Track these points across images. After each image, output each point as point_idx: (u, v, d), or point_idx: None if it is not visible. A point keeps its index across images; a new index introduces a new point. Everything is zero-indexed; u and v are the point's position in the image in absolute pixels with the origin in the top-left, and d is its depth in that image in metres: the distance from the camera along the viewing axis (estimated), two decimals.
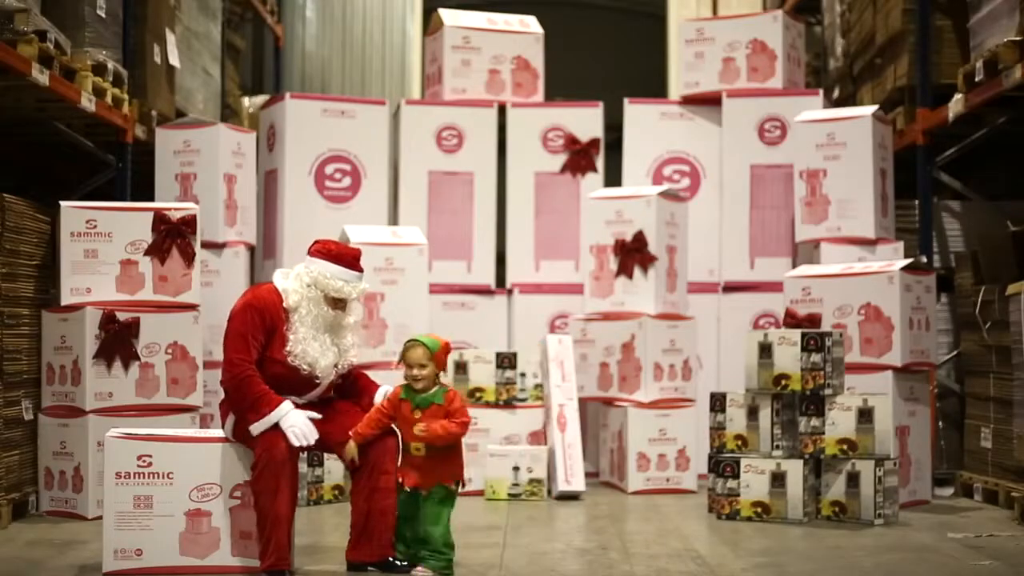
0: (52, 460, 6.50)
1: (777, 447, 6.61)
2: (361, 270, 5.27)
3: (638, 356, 7.64)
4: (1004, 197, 8.36)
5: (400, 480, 5.12)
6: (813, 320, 7.12)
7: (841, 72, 10.03)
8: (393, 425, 5.16)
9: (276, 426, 5.00)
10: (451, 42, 8.86)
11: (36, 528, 6.17)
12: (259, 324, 5.11)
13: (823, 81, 10.60)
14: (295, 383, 5.15)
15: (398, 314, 7.62)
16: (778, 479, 6.47)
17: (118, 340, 6.44)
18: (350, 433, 5.14)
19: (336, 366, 5.22)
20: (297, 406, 5.12)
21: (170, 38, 8.54)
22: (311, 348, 5.12)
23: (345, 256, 5.23)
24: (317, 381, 5.18)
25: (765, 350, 6.63)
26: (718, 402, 6.80)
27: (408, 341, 5.21)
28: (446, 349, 5.22)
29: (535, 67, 8.99)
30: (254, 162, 8.10)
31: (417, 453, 5.10)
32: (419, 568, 5.09)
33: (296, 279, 5.20)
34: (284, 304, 5.16)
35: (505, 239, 8.77)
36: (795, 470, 6.46)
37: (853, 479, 6.47)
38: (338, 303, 5.20)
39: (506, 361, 7.60)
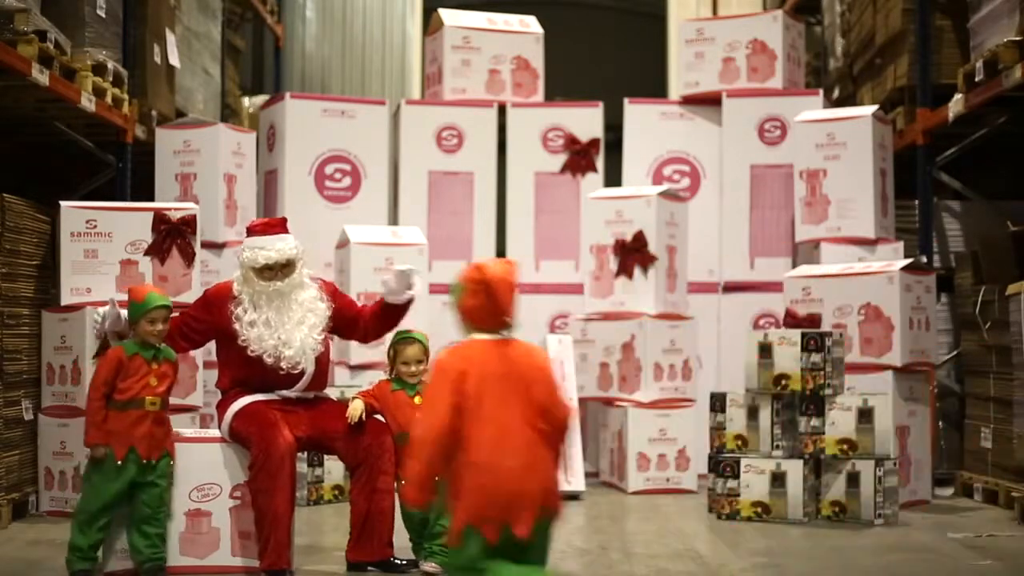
0: (52, 460, 6.50)
1: (777, 447, 6.61)
2: (280, 231, 5.19)
3: (638, 356, 7.64)
4: (1004, 197, 8.36)
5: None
6: (813, 320, 7.12)
7: (841, 72, 10.03)
8: (382, 418, 5.17)
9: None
10: (451, 42, 8.86)
11: (36, 528, 6.17)
12: (200, 306, 5.27)
13: (823, 81, 10.60)
14: (272, 378, 5.15)
15: None
16: (778, 479, 6.47)
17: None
18: (359, 393, 5.20)
19: (311, 350, 5.13)
20: (290, 407, 5.15)
21: (170, 38, 8.55)
22: (265, 333, 5.09)
23: (256, 227, 5.25)
24: (285, 370, 5.11)
25: (765, 350, 6.63)
26: (718, 402, 6.79)
27: (401, 338, 5.23)
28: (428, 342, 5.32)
29: (535, 67, 8.99)
30: (254, 162, 8.10)
31: None
32: (429, 564, 5.08)
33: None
34: (232, 294, 5.19)
35: (505, 239, 8.77)
36: (795, 470, 6.46)
37: (853, 479, 6.47)
38: (265, 272, 5.15)
39: None
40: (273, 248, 5.14)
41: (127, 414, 4.96)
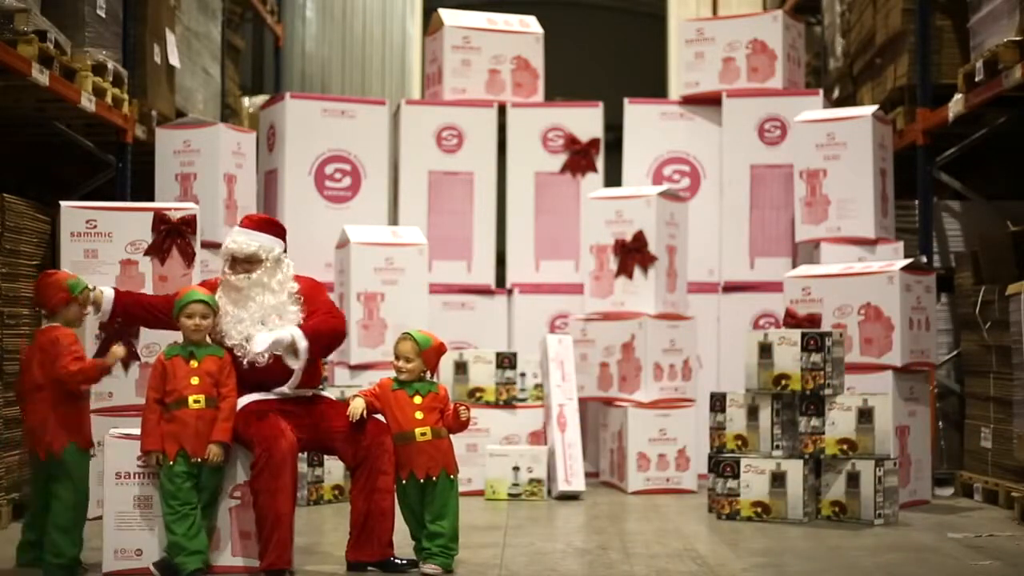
0: None
1: (777, 447, 6.61)
2: (252, 226, 5.24)
3: (638, 356, 7.64)
4: (1004, 197, 8.36)
5: (408, 473, 5.12)
6: (813, 320, 7.12)
7: (841, 72, 10.03)
8: (382, 417, 5.17)
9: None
10: (451, 42, 8.86)
11: None
12: None
13: (823, 81, 10.60)
14: (261, 375, 5.16)
15: (398, 314, 7.61)
16: (778, 479, 6.47)
17: (118, 340, 6.42)
18: (359, 392, 5.20)
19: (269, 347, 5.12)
20: (289, 407, 5.16)
21: (170, 38, 8.54)
22: (228, 324, 5.12)
23: (242, 220, 5.33)
24: (247, 366, 5.12)
25: (765, 350, 6.63)
26: (718, 402, 6.80)
27: (402, 333, 5.24)
28: (438, 350, 5.24)
29: (535, 67, 8.99)
30: (254, 162, 8.09)
31: (423, 438, 5.11)
32: (429, 565, 5.08)
33: None
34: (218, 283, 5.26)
35: (505, 239, 8.77)
36: (795, 470, 6.46)
37: (853, 479, 6.47)
38: (236, 264, 5.19)
39: (506, 361, 7.60)
40: (235, 239, 5.20)
41: (172, 415, 5.00)
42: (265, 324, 5.14)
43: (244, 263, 5.19)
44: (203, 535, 4.98)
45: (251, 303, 5.16)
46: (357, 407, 5.11)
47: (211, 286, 5.28)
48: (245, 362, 5.12)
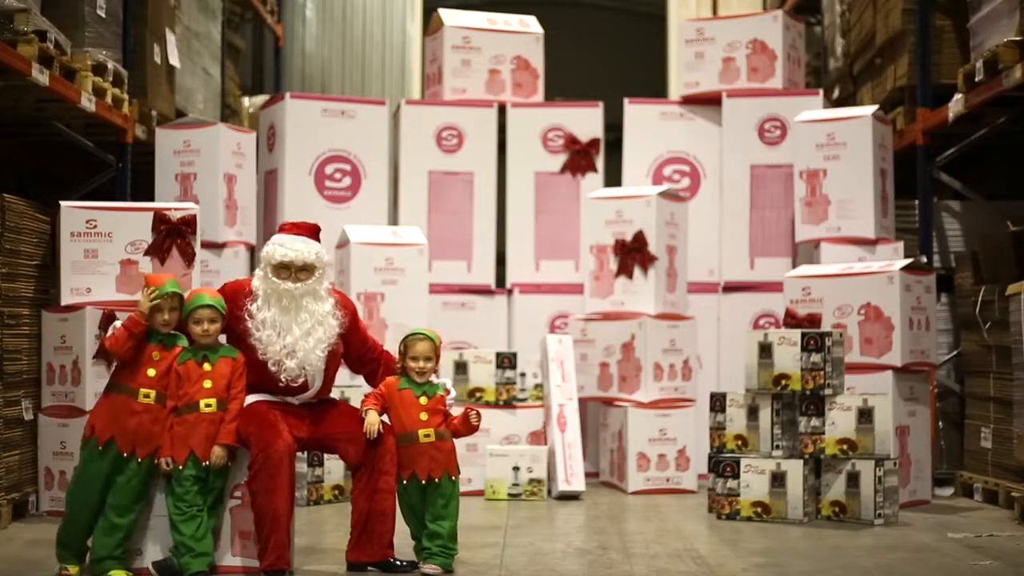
0: (52, 460, 6.50)
1: (777, 447, 6.61)
2: (305, 234, 5.20)
3: (638, 356, 7.64)
4: (1004, 197, 8.36)
5: (410, 474, 5.12)
6: (813, 320, 7.12)
7: (841, 72, 10.03)
8: (385, 417, 5.17)
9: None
10: (451, 42, 8.86)
11: (36, 528, 6.16)
12: None
13: (823, 81, 10.60)
14: (274, 386, 5.13)
15: (398, 314, 7.61)
16: (778, 479, 6.47)
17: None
18: (367, 396, 5.18)
19: (312, 366, 5.10)
20: (292, 408, 5.15)
21: (170, 38, 8.55)
22: (273, 335, 5.05)
23: (285, 226, 5.28)
24: (285, 382, 5.10)
25: (765, 350, 6.63)
26: (718, 402, 6.80)
27: (412, 334, 5.22)
28: (440, 343, 5.30)
29: (535, 67, 8.99)
30: (254, 162, 8.10)
31: (427, 440, 5.11)
32: (429, 565, 5.09)
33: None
34: (249, 290, 5.16)
35: (505, 239, 8.77)
36: (795, 470, 6.46)
37: (853, 479, 6.47)
38: (282, 271, 5.11)
39: (506, 361, 7.60)
40: (292, 247, 5.13)
41: (182, 419, 4.99)
42: (310, 335, 5.08)
43: (300, 271, 5.12)
44: (210, 537, 4.99)
45: (303, 312, 5.09)
46: (372, 424, 5.09)
47: (239, 288, 5.20)
48: (282, 378, 5.08)
